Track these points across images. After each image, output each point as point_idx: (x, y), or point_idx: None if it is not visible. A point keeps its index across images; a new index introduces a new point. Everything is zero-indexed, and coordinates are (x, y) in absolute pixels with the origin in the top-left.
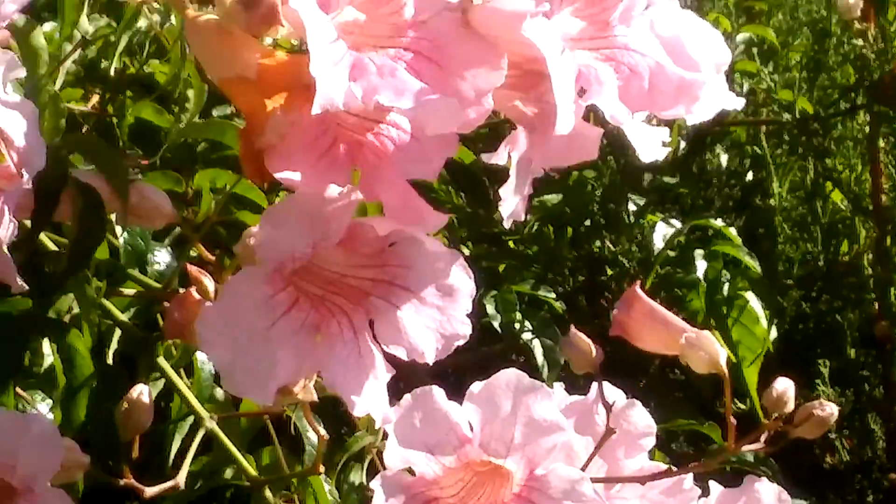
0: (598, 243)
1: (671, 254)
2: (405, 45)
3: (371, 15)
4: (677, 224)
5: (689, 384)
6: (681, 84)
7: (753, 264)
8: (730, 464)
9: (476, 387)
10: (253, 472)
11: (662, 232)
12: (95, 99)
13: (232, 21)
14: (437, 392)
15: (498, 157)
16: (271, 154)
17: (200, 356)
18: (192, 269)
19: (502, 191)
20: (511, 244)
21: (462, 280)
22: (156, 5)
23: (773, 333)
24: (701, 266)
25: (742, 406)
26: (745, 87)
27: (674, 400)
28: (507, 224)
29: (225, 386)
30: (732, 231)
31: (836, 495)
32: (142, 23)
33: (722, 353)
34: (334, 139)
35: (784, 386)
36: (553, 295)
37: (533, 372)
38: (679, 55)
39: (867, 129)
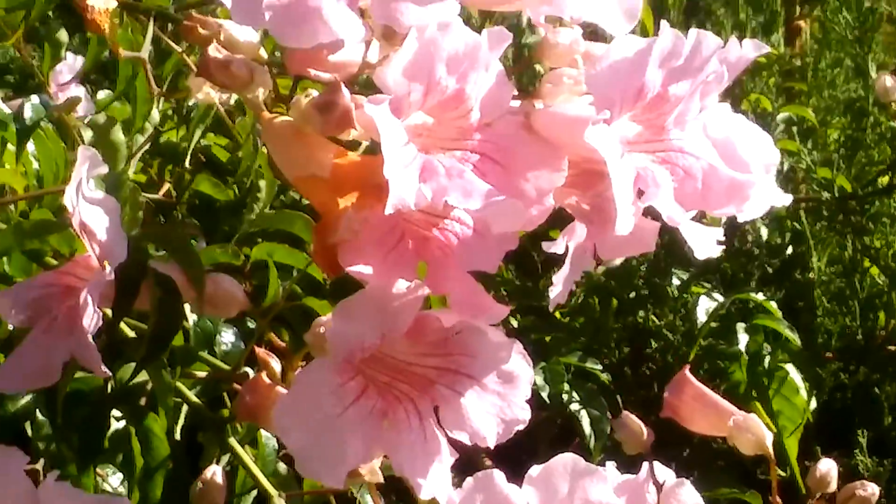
0: (641, 314)
1: (713, 325)
2: (471, 147)
3: (439, 119)
4: (719, 298)
5: (731, 453)
6: (732, 184)
7: (793, 337)
8: None
9: (535, 470)
10: None
11: (705, 305)
12: (166, 187)
13: (307, 124)
14: (498, 475)
15: (557, 247)
16: (344, 249)
17: (264, 433)
18: (261, 353)
19: (556, 277)
20: (558, 315)
21: (521, 367)
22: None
23: (813, 404)
24: (743, 339)
25: (783, 473)
26: (786, 166)
27: (717, 468)
28: (551, 307)
29: (299, 470)
30: (773, 304)
31: None
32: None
33: (768, 436)
34: (402, 235)
35: (827, 466)
36: (599, 367)
37: (578, 440)
38: (731, 157)
39: None
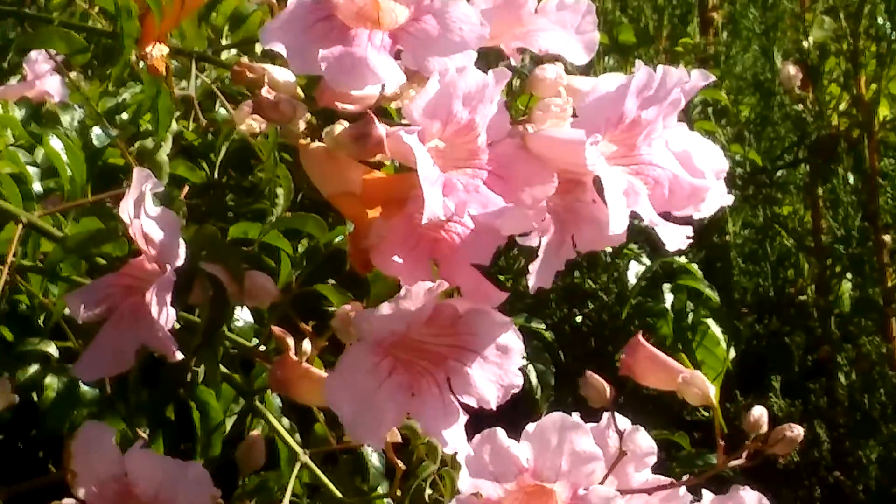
0: (578, 277)
1: (642, 285)
2: (479, 165)
3: (452, 143)
4: (647, 261)
5: (658, 399)
6: (692, 190)
7: (713, 295)
8: (699, 468)
9: (530, 427)
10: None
11: (635, 269)
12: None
13: (341, 149)
14: (500, 432)
15: (530, 241)
16: (374, 252)
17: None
18: (277, 331)
19: (531, 266)
20: (502, 279)
21: (514, 341)
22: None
23: (732, 354)
24: (668, 297)
25: (707, 414)
26: None
27: (648, 412)
28: (532, 291)
29: (349, 434)
30: (694, 266)
31: (789, 490)
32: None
33: (711, 389)
34: (419, 237)
35: (759, 412)
36: (543, 325)
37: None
38: (689, 166)
39: (808, 178)
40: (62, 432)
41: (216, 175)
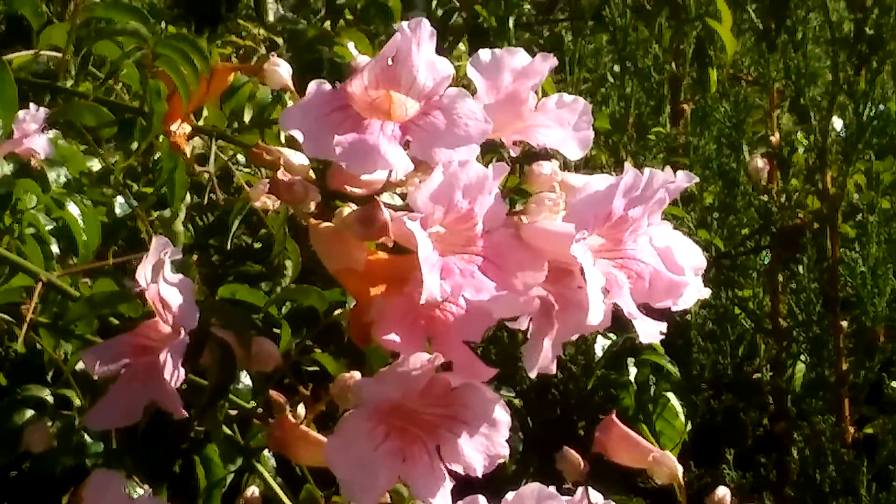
0: None
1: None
2: (475, 251)
3: (451, 229)
4: (613, 336)
5: (618, 468)
6: (671, 284)
7: (674, 370)
8: None
9: (510, 496)
10: None
11: (601, 343)
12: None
13: (347, 230)
14: (481, 499)
15: (519, 324)
16: (375, 327)
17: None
18: (274, 395)
19: (524, 348)
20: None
21: (502, 415)
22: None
23: (689, 426)
24: (632, 371)
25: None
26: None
27: (610, 480)
28: (532, 375)
29: (344, 495)
30: (657, 342)
31: None
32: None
33: (679, 469)
34: (416, 315)
35: (724, 492)
36: (512, 393)
37: None
38: (670, 262)
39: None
40: (55, 474)
41: (228, 246)
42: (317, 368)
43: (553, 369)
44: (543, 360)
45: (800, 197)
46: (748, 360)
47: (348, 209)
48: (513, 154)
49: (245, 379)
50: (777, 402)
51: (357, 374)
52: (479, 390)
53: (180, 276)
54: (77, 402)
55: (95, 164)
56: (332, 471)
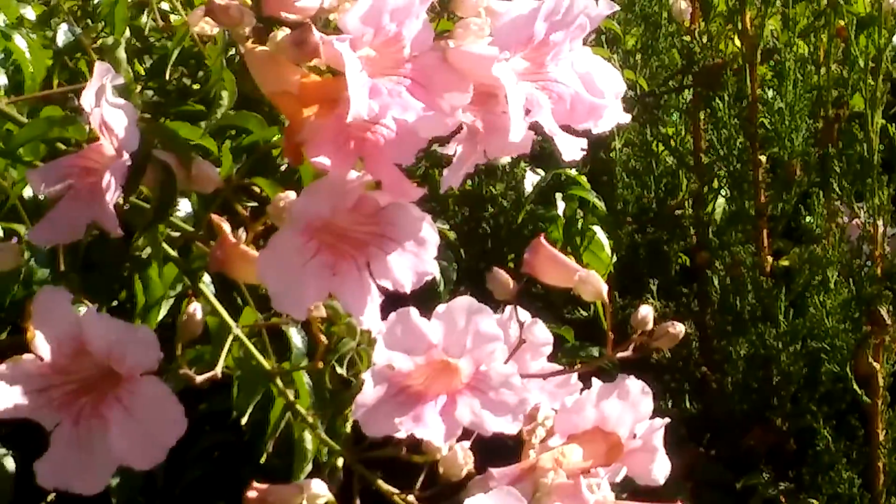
0: (475, 185)
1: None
2: (403, 73)
3: (381, 53)
4: (542, 172)
5: (545, 297)
6: (591, 107)
7: (600, 204)
8: (581, 359)
9: (440, 308)
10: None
11: (531, 179)
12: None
13: (282, 53)
14: (413, 311)
15: (448, 149)
16: (307, 146)
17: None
18: (215, 218)
19: (446, 171)
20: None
21: (430, 234)
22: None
23: (614, 258)
24: (560, 205)
25: (585, 313)
26: None
27: (536, 308)
28: (442, 191)
29: (274, 304)
30: (583, 178)
31: (660, 384)
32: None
33: (604, 287)
34: (348, 136)
35: (646, 311)
36: (447, 226)
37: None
38: (590, 86)
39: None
40: (4, 305)
41: (167, 76)
42: (257, 204)
43: (457, 184)
44: (458, 177)
45: (720, 38)
46: (671, 195)
47: (282, 34)
48: None
49: (185, 206)
50: (699, 235)
51: (293, 194)
52: (406, 209)
53: (123, 100)
54: (24, 234)
55: (29, 12)
56: (263, 283)
